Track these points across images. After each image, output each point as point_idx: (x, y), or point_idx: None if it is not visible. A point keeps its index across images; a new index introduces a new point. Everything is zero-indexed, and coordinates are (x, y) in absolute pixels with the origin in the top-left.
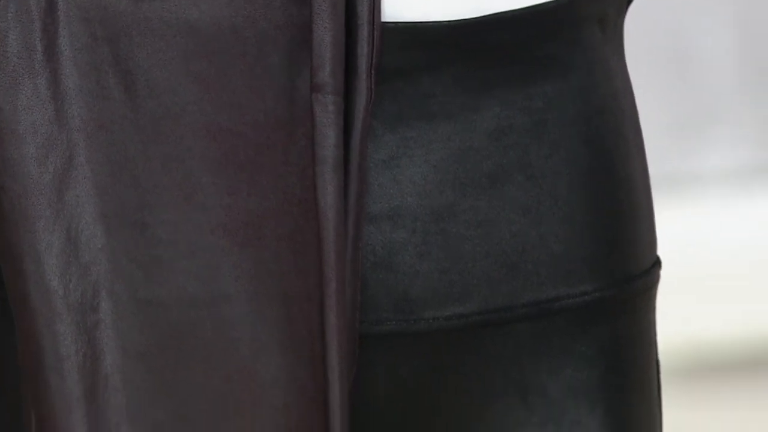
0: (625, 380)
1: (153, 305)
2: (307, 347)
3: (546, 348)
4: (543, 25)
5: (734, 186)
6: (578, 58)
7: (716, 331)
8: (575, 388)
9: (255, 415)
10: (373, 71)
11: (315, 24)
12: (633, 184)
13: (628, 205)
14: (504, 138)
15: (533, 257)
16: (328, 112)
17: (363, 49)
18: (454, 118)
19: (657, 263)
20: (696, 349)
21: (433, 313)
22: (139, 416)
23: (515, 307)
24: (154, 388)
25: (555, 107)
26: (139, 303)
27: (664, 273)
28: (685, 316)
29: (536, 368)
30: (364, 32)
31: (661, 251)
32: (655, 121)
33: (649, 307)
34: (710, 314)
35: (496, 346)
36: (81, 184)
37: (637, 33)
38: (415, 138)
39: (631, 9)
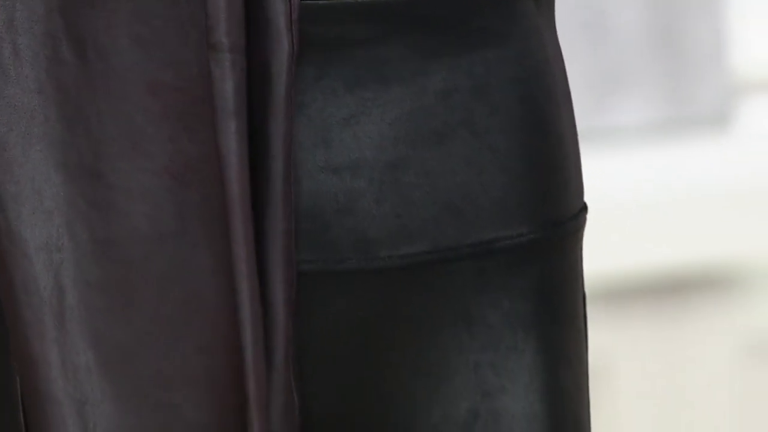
0: (555, 311)
1: (110, 244)
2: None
3: (487, 283)
4: (482, 0)
5: (646, 137)
6: (515, 29)
7: (630, 262)
8: (512, 318)
9: (204, 333)
10: (293, 26)
11: None
12: (563, 139)
13: (559, 157)
14: (450, 99)
15: (475, 203)
16: (224, 68)
17: (280, 7)
18: (407, 82)
19: (584, 208)
20: (615, 279)
21: (388, 252)
22: (102, 340)
23: (460, 247)
24: (114, 315)
25: (495, 71)
26: (98, 242)
27: (589, 215)
28: (606, 251)
29: (478, 301)
30: None
31: (587, 197)
32: (578, 82)
33: (577, 247)
34: (626, 249)
35: (444, 282)
36: (42, 139)
37: (559, 4)
38: (372, 99)
39: None
